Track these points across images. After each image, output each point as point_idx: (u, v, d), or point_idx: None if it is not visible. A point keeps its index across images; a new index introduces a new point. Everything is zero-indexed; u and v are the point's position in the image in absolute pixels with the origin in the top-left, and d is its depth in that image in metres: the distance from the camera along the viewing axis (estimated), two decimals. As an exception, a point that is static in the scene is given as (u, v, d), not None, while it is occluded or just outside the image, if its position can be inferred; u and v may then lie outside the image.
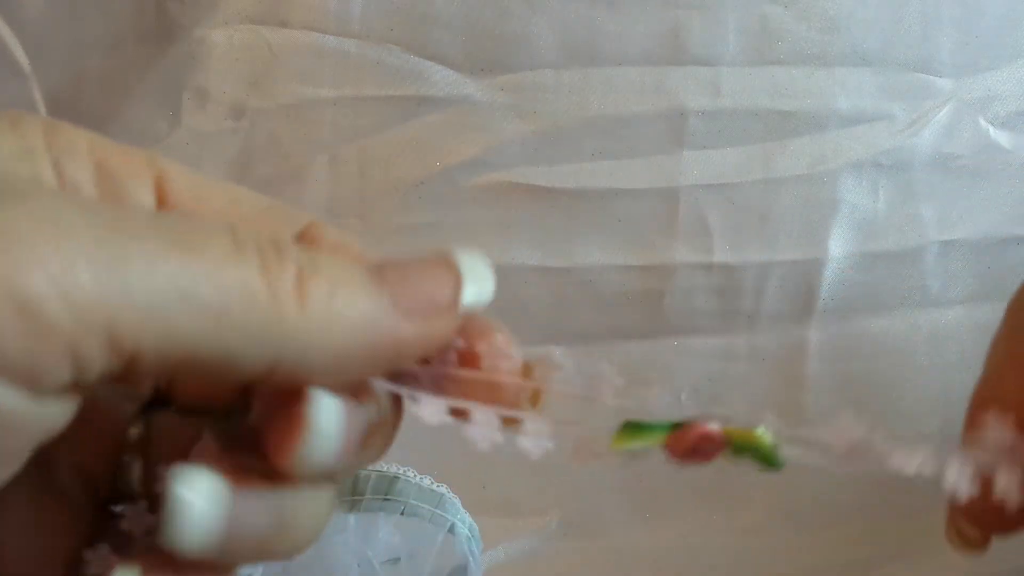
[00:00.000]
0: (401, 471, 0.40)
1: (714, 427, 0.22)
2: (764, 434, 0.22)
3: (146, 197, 0.22)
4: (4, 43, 0.45)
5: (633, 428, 0.22)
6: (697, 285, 0.47)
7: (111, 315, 0.17)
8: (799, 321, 0.48)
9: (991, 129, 0.47)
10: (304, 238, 0.23)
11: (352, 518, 0.41)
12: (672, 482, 0.50)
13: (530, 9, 0.43)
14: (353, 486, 0.40)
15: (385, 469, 0.40)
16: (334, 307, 0.19)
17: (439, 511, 0.41)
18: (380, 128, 0.44)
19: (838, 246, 0.47)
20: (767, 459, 0.22)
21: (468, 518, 0.42)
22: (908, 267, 0.48)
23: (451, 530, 0.41)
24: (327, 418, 0.20)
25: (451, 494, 0.41)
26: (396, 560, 0.42)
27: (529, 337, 0.48)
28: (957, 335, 0.49)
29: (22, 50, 0.45)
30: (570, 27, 0.43)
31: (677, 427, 0.22)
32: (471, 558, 0.41)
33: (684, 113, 0.45)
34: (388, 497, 0.40)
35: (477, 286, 0.22)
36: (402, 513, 0.40)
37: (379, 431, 0.22)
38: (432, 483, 0.41)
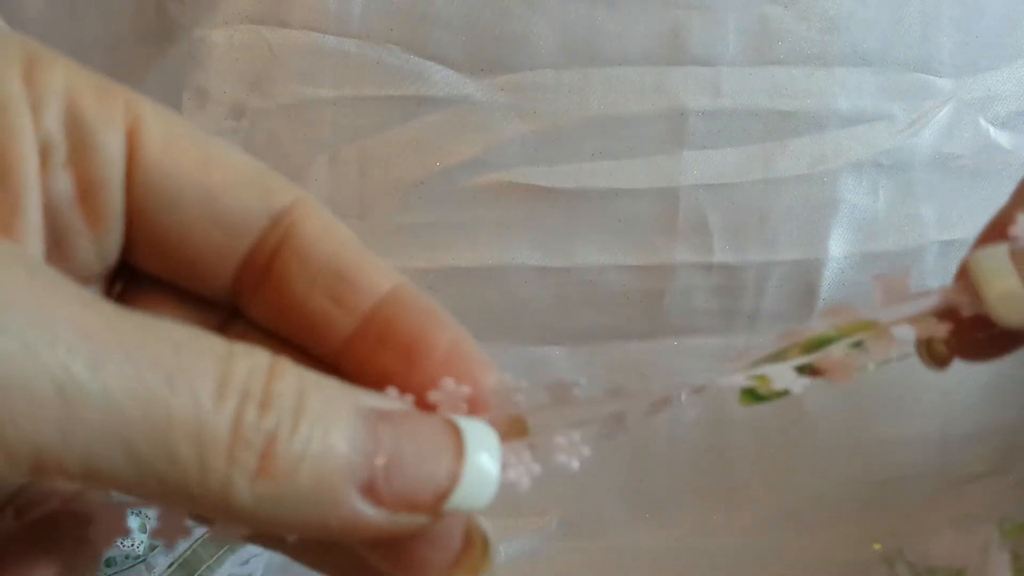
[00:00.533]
0: (401, 471, 0.40)
1: (842, 363, 0.22)
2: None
3: (115, 147, 0.20)
4: (4, 43, 0.45)
5: (759, 395, 0.22)
6: (697, 285, 0.47)
7: (41, 457, 0.16)
8: (799, 321, 0.48)
9: (991, 129, 0.47)
10: (284, 220, 0.21)
11: (352, 518, 0.41)
12: (672, 482, 0.50)
13: (530, 9, 0.43)
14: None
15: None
16: (295, 481, 0.17)
17: (439, 511, 0.41)
18: (380, 128, 0.44)
19: (838, 246, 0.47)
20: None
21: (468, 518, 0.42)
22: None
23: (451, 530, 0.41)
24: None
25: (451, 494, 0.41)
26: (396, 560, 0.42)
27: (529, 337, 0.48)
28: (957, 335, 0.49)
29: (22, 50, 0.45)
30: (570, 27, 0.43)
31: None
32: (471, 558, 0.41)
33: (684, 113, 0.45)
34: (388, 497, 0.40)
35: (472, 492, 0.18)
36: (402, 513, 0.40)
37: None
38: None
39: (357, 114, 0.44)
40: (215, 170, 0.21)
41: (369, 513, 0.17)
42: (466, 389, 0.19)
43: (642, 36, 0.44)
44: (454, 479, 0.18)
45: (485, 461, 0.18)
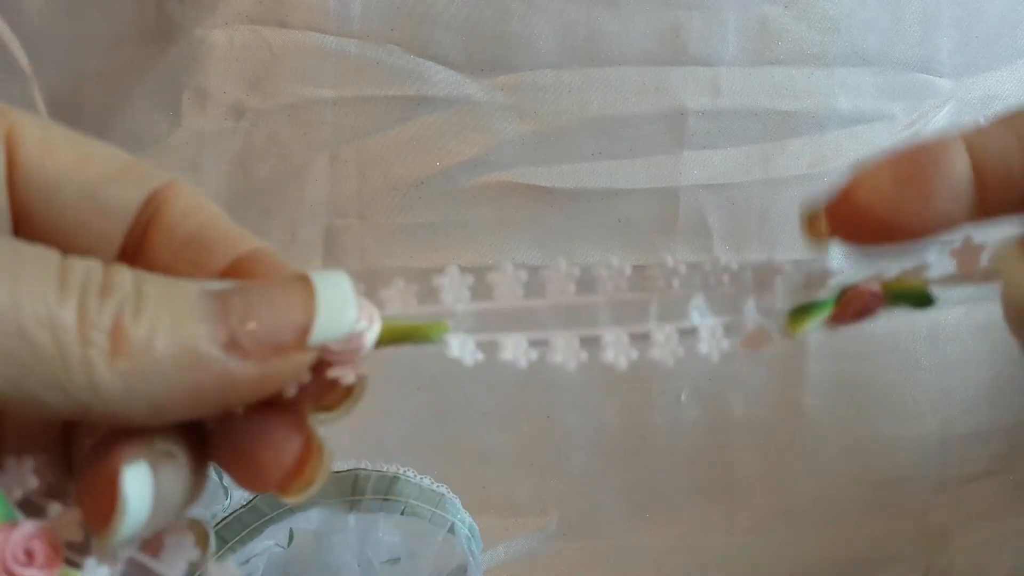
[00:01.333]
0: (401, 471, 0.40)
1: (875, 286, 0.23)
2: (917, 280, 0.23)
3: None
4: (4, 43, 0.45)
5: (802, 310, 0.23)
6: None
7: None
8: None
9: (991, 129, 0.47)
10: (155, 200, 0.22)
11: (352, 518, 0.41)
12: (672, 481, 0.50)
13: (530, 9, 0.43)
14: (353, 486, 0.40)
15: (385, 469, 0.40)
16: (153, 355, 0.18)
17: (439, 511, 0.41)
18: (380, 128, 0.44)
19: (838, 246, 0.47)
20: (922, 300, 0.23)
21: (468, 518, 0.42)
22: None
23: (451, 530, 0.41)
24: (138, 498, 0.19)
25: (451, 494, 0.41)
26: (396, 560, 0.42)
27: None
28: (957, 335, 0.49)
29: (22, 50, 0.45)
30: (570, 27, 0.43)
31: (842, 295, 0.22)
32: (471, 558, 0.41)
33: (684, 113, 0.45)
34: (388, 497, 0.40)
35: (332, 319, 0.19)
36: (402, 513, 0.40)
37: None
38: (432, 483, 0.41)
39: (357, 114, 0.44)
40: (92, 164, 0.22)
41: (240, 367, 0.19)
42: None
43: (642, 36, 0.44)
44: (310, 313, 0.19)
45: (336, 290, 0.19)
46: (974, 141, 0.25)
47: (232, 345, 0.18)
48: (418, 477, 0.41)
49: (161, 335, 0.18)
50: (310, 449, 0.21)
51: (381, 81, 0.44)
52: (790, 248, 0.47)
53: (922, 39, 0.46)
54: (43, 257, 0.18)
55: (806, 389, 0.49)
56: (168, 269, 0.22)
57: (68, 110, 0.45)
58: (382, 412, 0.48)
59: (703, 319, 0.22)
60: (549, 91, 0.44)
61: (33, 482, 0.21)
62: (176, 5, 0.44)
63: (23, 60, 0.45)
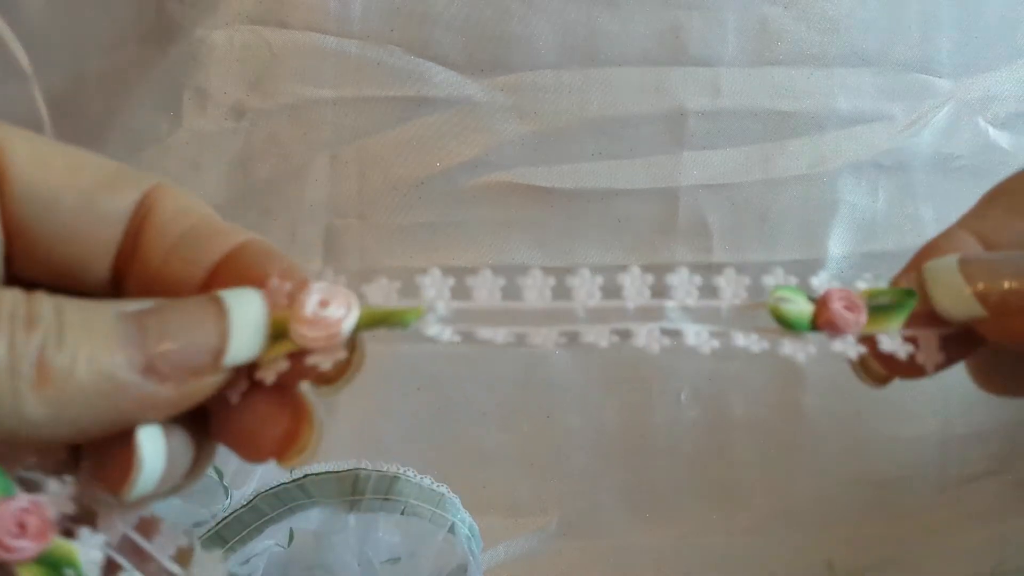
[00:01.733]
0: (401, 471, 0.40)
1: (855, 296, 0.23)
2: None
3: None
4: (4, 43, 0.45)
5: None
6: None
7: None
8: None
9: (991, 129, 0.47)
10: (145, 203, 0.22)
11: (352, 518, 0.41)
12: (672, 482, 0.50)
13: (530, 9, 0.43)
14: (353, 486, 0.40)
15: (385, 469, 0.40)
16: (75, 382, 0.19)
17: (439, 511, 0.41)
18: (380, 128, 0.44)
19: (838, 246, 0.47)
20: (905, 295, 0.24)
21: (468, 518, 0.42)
22: (908, 267, 0.48)
23: (451, 530, 0.41)
24: (153, 455, 0.20)
25: (451, 494, 0.41)
26: (396, 560, 0.42)
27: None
28: (957, 335, 0.49)
29: (22, 50, 0.45)
30: (570, 27, 0.43)
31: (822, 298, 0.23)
32: (471, 558, 0.41)
33: (684, 113, 0.45)
34: (388, 497, 0.40)
35: (245, 340, 0.20)
36: (402, 513, 0.40)
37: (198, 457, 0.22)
38: (432, 483, 0.41)
39: (357, 114, 0.44)
40: (85, 173, 0.22)
41: (157, 390, 0.20)
42: (288, 285, 0.21)
43: (642, 36, 0.44)
44: (223, 335, 0.20)
45: (248, 309, 0.20)
46: (980, 228, 0.26)
47: (149, 369, 0.19)
48: (418, 477, 0.41)
49: (81, 363, 0.19)
50: (301, 417, 0.21)
51: (381, 81, 0.44)
52: (790, 248, 0.47)
53: (922, 39, 0.46)
54: None
55: (806, 389, 0.49)
56: (163, 268, 0.22)
57: (68, 110, 0.45)
58: (382, 412, 0.48)
59: (683, 322, 0.23)
60: (549, 91, 0.44)
61: (31, 460, 0.22)
62: (176, 5, 0.44)
63: (23, 60, 0.45)
